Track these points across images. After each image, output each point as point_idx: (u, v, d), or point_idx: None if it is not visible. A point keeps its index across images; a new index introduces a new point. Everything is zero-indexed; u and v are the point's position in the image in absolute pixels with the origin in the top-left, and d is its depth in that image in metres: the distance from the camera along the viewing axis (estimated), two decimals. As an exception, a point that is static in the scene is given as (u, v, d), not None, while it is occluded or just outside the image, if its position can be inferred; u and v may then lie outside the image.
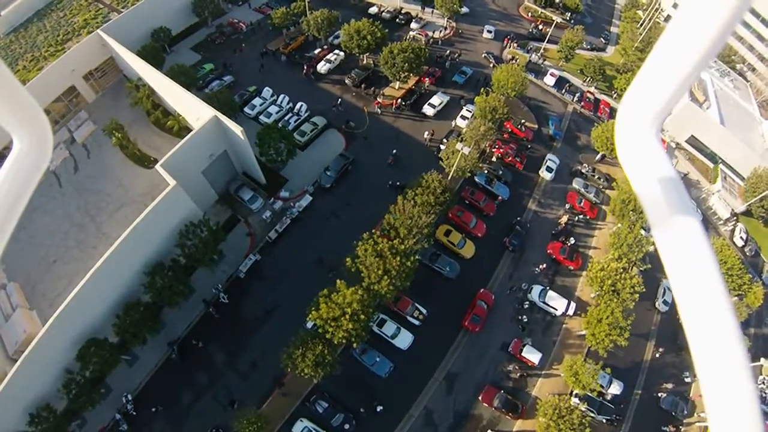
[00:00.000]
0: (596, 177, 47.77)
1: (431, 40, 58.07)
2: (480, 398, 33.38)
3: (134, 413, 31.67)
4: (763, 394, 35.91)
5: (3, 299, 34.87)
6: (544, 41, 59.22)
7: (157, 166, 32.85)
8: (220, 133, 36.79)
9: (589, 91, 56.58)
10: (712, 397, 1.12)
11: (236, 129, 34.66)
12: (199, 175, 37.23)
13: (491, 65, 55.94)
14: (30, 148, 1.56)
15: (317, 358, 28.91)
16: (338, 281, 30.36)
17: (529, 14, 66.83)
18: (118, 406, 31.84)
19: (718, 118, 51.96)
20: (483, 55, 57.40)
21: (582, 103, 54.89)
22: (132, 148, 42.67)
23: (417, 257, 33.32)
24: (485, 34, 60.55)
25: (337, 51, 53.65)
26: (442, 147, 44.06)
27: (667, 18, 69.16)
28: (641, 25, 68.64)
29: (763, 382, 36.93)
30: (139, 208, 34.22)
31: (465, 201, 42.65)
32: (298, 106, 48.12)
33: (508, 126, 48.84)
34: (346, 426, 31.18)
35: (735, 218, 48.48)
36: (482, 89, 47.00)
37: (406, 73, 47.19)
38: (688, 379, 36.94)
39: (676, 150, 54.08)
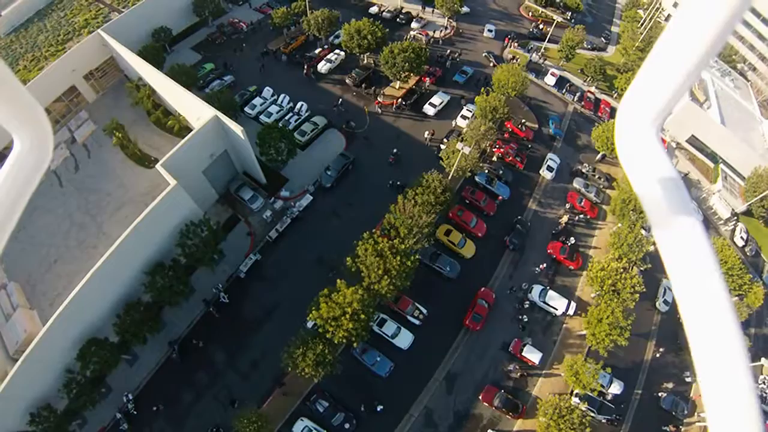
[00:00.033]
0: (597, 177, 47.74)
1: (432, 39, 58.04)
2: (480, 398, 33.38)
3: (135, 413, 31.71)
4: (763, 394, 35.87)
5: (3, 299, 34.89)
6: (544, 41, 59.16)
7: (158, 166, 32.87)
8: (220, 132, 36.81)
9: (589, 91, 56.53)
10: (712, 397, 1.12)
11: (237, 129, 34.67)
12: (199, 175, 37.25)
13: (491, 64, 55.91)
14: (31, 148, 1.56)
15: (317, 358, 28.93)
16: (338, 281, 30.37)
17: (530, 14, 66.76)
18: (118, 405, 31.88)
19: (718, 117, 51.90)
20: (483, 55, 57.37)
21: (582, 103, 54.84)
22: (132, 148, 42.68)
23: (417, 257, 33.34)
24: (486, 34, 60.51)
25: (337, 51, 53.64)
26: (443, 147, 44.06)
27: (668, 17, 69.08)
28: (642, 24, 68.56)
29: (764, 382, 36.90)
30: (139, 207, 34.21)
31: (465, 200, 42.64)
32: (298, 105, 48.12)
33: (508, 126, 48.82)
34: (347, 425, 31.19)
35: (735, 218, 48.43)
36: (483, 89, 46.95)
37: (407, 73, 47.17)
38: (688, 379, 36.92)
39: (677, 150, 54.03)
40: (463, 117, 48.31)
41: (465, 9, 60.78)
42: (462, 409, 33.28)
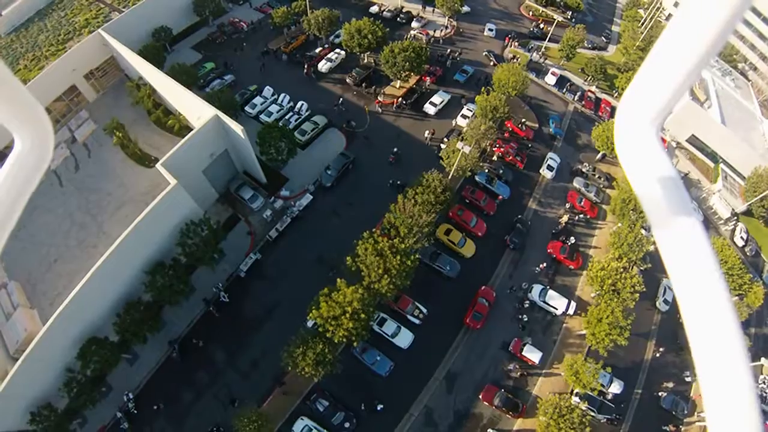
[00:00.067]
0: (597, 176, 47.72)
1: (432, 39, 58.00)
2: (480, 397, 33.40)
3: (135, 412, 31.74)
4: (763, 394, 35.87)
5: (4, 298, 34.91)
6: (545, 40, 59.11)
7: (158, 165, 32.87)
8: (220, 132, 36.80)
9: (590, 90, 56.49)
10: (712, 396, 1.12)
11: (237, 128, 34.66)
12: (199, 174, 37.25)
13: (491, 63, 55.87)
14: (32, 147, 1.56)
15: (318, 357, 28.94)
16: (339, 280, 30.38)
17: (531, 13, 66.72)
18: (119, 404, 31.90)
19: (719, 117, 51.86)
20: (484, 54, 57.33)
21: (583, 102, 54.81)
22: (133, 147, 42.67)
23: (417, 256, 33.34)
24: (486, 33, 60.49)
25: (337, 50, 53.61)
26: (443, 146, 44.03)
27: (669, 17, 68.99)
28: (643, 23, 68.50)
29: (764, 382, 36.90)
30: (139, 207, 34.21)
31: (465, 200, 42.62)
32: (298, 105, 48.11)
33: (508, 125, 48.79)
34: (347, 425, 31.22)
35: (735, 218, 48.40)
36: (483, 88, 46.92)
37: (407, 72, 47.13)
38: (688, 379, 36.93)
39: (677, 149, 53.99)
40: (464, 116, 48.29)
41: (465, 8, 60.77)
42: (462, 408, 33.30)
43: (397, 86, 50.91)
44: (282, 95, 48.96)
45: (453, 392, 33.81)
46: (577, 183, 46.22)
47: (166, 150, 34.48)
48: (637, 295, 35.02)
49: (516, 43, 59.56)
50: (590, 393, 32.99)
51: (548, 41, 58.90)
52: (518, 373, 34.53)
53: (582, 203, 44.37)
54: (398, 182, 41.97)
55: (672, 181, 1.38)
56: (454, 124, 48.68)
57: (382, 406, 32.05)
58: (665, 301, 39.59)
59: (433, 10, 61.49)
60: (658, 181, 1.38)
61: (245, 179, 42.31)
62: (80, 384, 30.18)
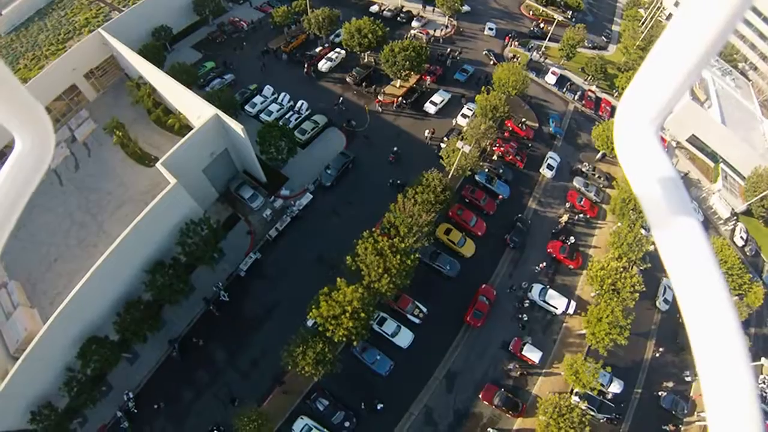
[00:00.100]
0: (597, 176, 47.71)
1: (432, 38, 57.97)
2: (480, 396, 33.42)
3: (135, 411, 31.76)
4: (764, 394, 35.89)
5: (4, 297, 34.92)
6: (545, 39, 59.08)
7: (158, 165, 32.86)
8: (220, 131, 36.79)
9: (590, 90, 56.47)
10: (713, 396, 1.12)
11: (237, 127, 34.65)
12: (199, 174, 37.24)
13: (491, 63, 55.84)
14: (32, 147, 1.56)
15: (318, 356, 28.95)
16: (338, 279, 30.38)
17: (531, 12, 66.68)
18: (119, 403, 31.92)
19: (719, 117, 51.83)
20: (484, 53, 57.30)
21: (583, 102, 54.79)
22: (133, 147, 42.67)
23: (417, 256, 33.34)
24: (486, 32, 60.49)
25: (338, 49, 53.57)
26: (443, 145, 43.99)
27: (669, 16, 68.95)
28: (643, 23, 68.48)
29: (764, 382, 36.92)
30: (139, 206, 34.23)
31: (465, 199, 42.61)
32: (299, 104, 48.10)
33: (508, 124, 48.78)
34: (347, 424, 31.24)
35: (735, 218, 48.40)
36: (483, 87, 46.89)
37: (407, 72, 47.11)
38: (688, 378, 36.95)
39: (677, 149, 53.97)
40: (464, 116, 48.27)
41: (466, 8, 60.72)
42: (462, 407, 33.32)
43: (397, 85, 50.89)
44: (282, 94, 48.94)
45: (453, 391, 33.83)
46: (577, 182, 46.21)
47: (166, 149, 34.48)
48: (637, 294, 35.02)
49: (516, 43, 59.53)
50: (590, 392, 32.99)
51: (548, 41, 58.87)
52: (518, 373, 34.55)
53: (582, 203, 44.37)
54: (398, 182, 41.96)
55: (672, 181, 1.38)
56: (454, 124, 48.66)
57: (382, 405, 32.06)
58: (665, 301, 39.60)
59: (434, 9, 61.45)
60: (657, 182, 1.38)
61: (245, 178, 42.31)
62: (80, 383, 30.20)
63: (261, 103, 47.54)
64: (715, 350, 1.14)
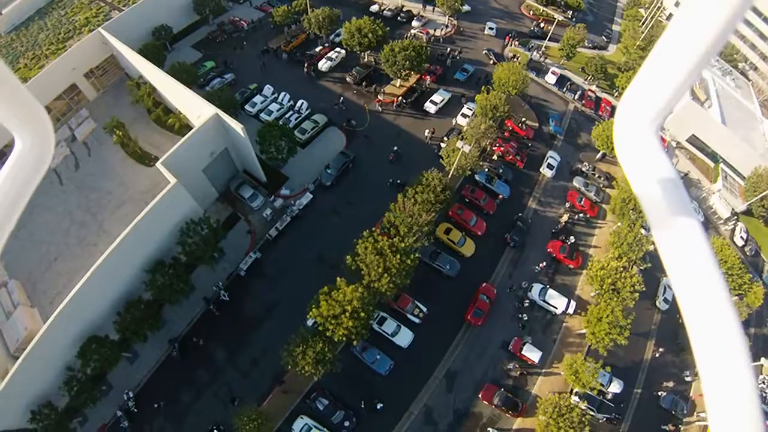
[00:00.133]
0: (597, 176, 47.70)
1: (432, 37, 57.94)
2: (480, 396, 33.43)
3: (135, 410, 31.78)
4: (764, 394, 35.90)
5: (4, 297, 34.93)
6: (545, 39, 59.06)
7: (158, 164, 32.85)
8: (220, 130, 36.78)
9: (590, 90, 56.45)
10: (714, 396, 1.12)
11: (237, 127, 34.64)
12: (199, 173, 37.24)
13: (492, 62, 55.82)
14: (32, 147, 1.56)
15: (317, 356, 28.96)
16: (338, 279, 30.38)
17: (531, 12, 66.67)
18: (119, 403, 31.94)
19: (719, 117, 51.83)
20: (484, 52, 57.29)
21: (583, 102, 54.77)
22: (133, 146, 42.66)
23: (417, 255, 33.34)
24: (487, 31, 60.51)
25: (338, 49, 53.56)
26: (443, 145, 43.98)
27: (669, 16, 68.91)
28: (643, 23, 68.46)
29: (764, 382, 36.93)
30: (139, 205, 34.24)
31: (465, 199, 42.61)
32: (299, 103, 48.09)
33: (508, 124, 48.77)
34: (346, 423, 31.25)
35: (735, 218, 48.40)
36: (483, 87, 46.87)
37: (407, 71, 47.10)
38: (688, 378, 36.96)
39: (677, 149, 53.97)
40: (464, 115, 48.27)
41: (466, 7, 60.70)
42: (462, 407, 33.33)
43: (397, 85, 50.88)
44: (282, 94, 48.93)
45: (453, 391, 33.84)
46: (577, 182, 46.21)
47: (166, 149, 34.49)
48: (637, 294, 35.02)
49: (516, 42, 59.51)
50: (590, 392, 33.00)
51: (548, 40, 58.84)
52: (518, 372, 34.56)
53: (582, 202, 44.37)
54: (398, 181, 41.95)
55: (671, 181, 1.38)
56: (454, 123, 48.65)
57: (381, 404, 32.08)
58: (665, 300, 39.61)
59: (434, 8, 61.44)
60: (657, 182, 1.38)
61: (245, 178, 42.31)
62: (80, 382, 30.22)
63: (261, 103, 47.53)
64: (716, 350, 1.14)
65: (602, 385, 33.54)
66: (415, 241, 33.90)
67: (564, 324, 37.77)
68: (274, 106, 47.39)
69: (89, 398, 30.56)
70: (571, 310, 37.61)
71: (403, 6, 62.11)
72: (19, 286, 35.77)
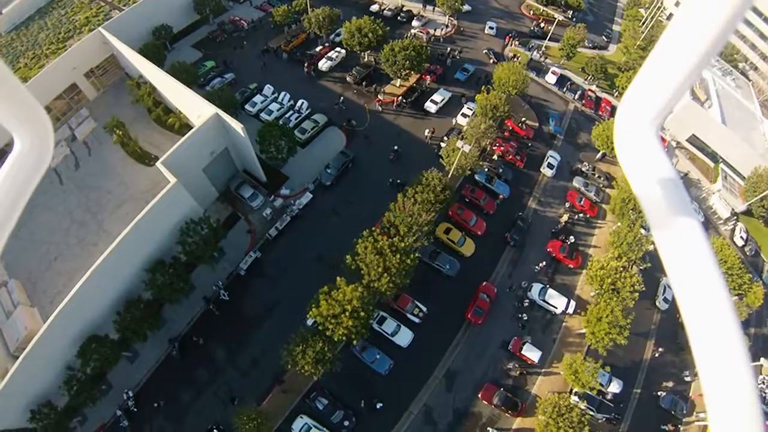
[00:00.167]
0: (596, 176, 47.71)
1: (432, 37, 57.93)
2: (480, 396, 33.45)
3: (135, 410, 31.79)
4: (763, 394, 35.92)
5: (4, 296, 34.94)
6: (545, 39, 59.05)
7: (158, 164, 32.84)
8: (221, 130, 36.78)
9: (590, 90, 56.45)
10: (713, 395, 1.12)
11: (237, 126, 34.64)
12: (199, 173, 37.24)
13: (492, 62, 55.80)
14: (31, 147, 1.56)
15: (317, 355, 28.97)
16: (338, 278, 30.39)
17: (531, 12, 66.66)
18: (119, 402, 31.95)
19: (719, 117, 51.82)
20: (484, 52, 57.28)
21: (583, 102, 54.77)
22: (133, 146, 42.65)
23: (417, 255, 33.35)
24: (487, 30, 60.52)
25: (338, 49, 53.56)
26: (443, 145, 43.98)
27: (670, 16, 68.89)
28: (643, 23, 68.45)
29: (763, 382, 36.95)
30: (140, 205, 34.23)
31: (465, 199, 42.62)
32: (299, 103, 48.07)
33: (509, 124, 48.77)
34: (346, 423, 31.26)
35: (735, 218, 48.41)
36: (483, 87, 46.87)
37: (407, 71, 47.10)
38: (687, 378, 36.97)
39: (677, 149, 53.97)
40: (464, 115, 48.27)
41: (466, 7, 60.72)
42: (461, 407, 33.35)
43: (398, 85, 50.87)
44: (282, 93, 48.92)
45: (452, 391, 33.86)
46: (577, 182, 46.22)
47: (167, 148, 34.49)
48: (637, 294, 35.02)
49: (516, 42, 59.50)
50: (589, 392, 33.01)
51: (549, 40, 58.83)
52: (517, 372, 34.59)
53: (582, 202, 44.38)
54: (398, 181, 41.96)
55: (671, 181, 1.38)
56: (454, 123, 48.65)
57: (381, 404, 32.09)
58: (665, 300, 39.62)
59: (434, 8, 61.42)
60: (657, 182, 1.38)
61: (245, 178, 42.31)
62: (80, 382, 30.22)
63: (261, 102, 47.52)
64: (715, 350, 1.14)
65: (602, 384, 33.54)
66: (415, 241, 33.91)
67: (564, 324, 37.78)
68: (274, 106, 47.38)
69: (89, 398, 30.56)
70: (570, 310, 37.62)
71: (403, 6, 62.09)
72: (19, 285, 35.78)
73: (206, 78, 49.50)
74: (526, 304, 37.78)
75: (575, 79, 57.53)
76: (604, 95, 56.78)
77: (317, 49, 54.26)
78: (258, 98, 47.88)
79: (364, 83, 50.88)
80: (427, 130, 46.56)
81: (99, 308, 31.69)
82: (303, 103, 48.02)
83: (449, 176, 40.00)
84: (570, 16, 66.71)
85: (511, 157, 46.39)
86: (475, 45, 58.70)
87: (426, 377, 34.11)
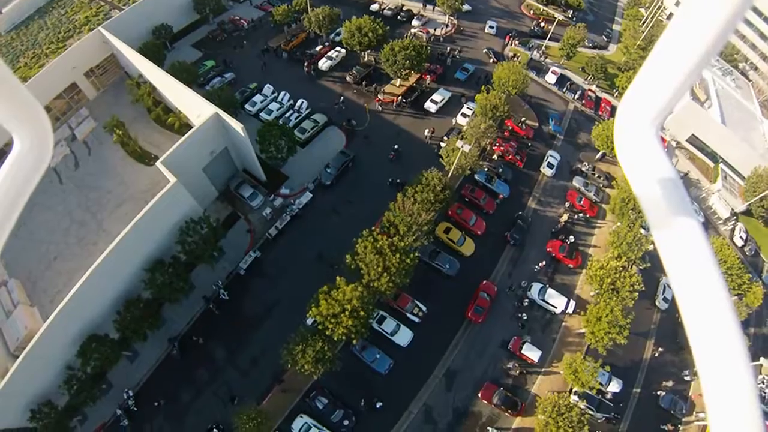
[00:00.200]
0: (596, 175, 47.70)
1: (432, 37, 57.90)
2: (479, 395, 33.46)
3: (135, 409, 31.80)
4: (763, 394, 35.94)
5: (4, 296, 34.94)
6: (545, 39, 59.02)
7: (158, 163, 32.84)
8: (220, 130, 36.78)
9: (590, 90, 56.43)
10: (713, 395, 1.12)
11: (237, 126, 34.63)
12: (199, 172, 37.24)
13: (492, 62, 55.78)
14: (31, 147, 1.56)
15: (317, 355, 28.99)
16: (338, 278, 30.40)
17: (531, 11, 66.63)
18: (119, 401, 31.96)
19: (719, 117, 51.81)
20: (484, 52, 57.26)
21: (583, 102, 54.75)
22: (133, 145, 42.65)
23: (416, 254, 33.36)
24: (487, 30, 60.48)
25: (338, 48, 53.52)
26: (443, 144, 43.97)
27: (670, 16, 68.86)
28: (643, 23, 68.42)
29: (763, 382, 36.97)
30: (139, 204, 34.24)
31: (465, 198, 42.62)
32: (299, 103, 48.05)
33: (508, 124, 48.76)
34: (346, 422, 31.28)
35: (735, 218, 48.42)
36: (483, 87, 46.85)
37: (407, 71, 47.08)
38: (687, 378, 36.99)
39: (677, 149, 53.97)
40: (464, 115, 48.26)
41: (466, 7, 60.70)
42: (461, 406, 33.37)
43: (397, 84, 50.85)
44: (282, 93, 48.90)
45: (452, 390, 33.87)
46: (577, 182, 46.21)
47: (166, 148, 34.49)
48: (636, 294, 35.04)
49: (517, 42, 59.48)
50: (589, 392, 33.03)
51: (549, 40, 58.80)
52: (517, 372, 34.61)
53: (581, 202, 44.38)
54: (398, 180, 41.95)
55: (671, 181, 1.38)
56: (454, 123, 48.63)
57: (381, 403, 32.11)
58: (665, 299, 39.64)
59: (434, 8, 61.39)
60: (657, 182, 1.38)
61: (245, 177, 42.31)
62: (80, 381, 30.24)
63: (261, 102, 47.51)
64: (715, 350, 1.14)
65: (601, 384, 33.55)
66: (415, 241, 33.92)
67: (563, 323, 37.80)
68: (274, 106, 47.37)
69: (89, 397, 30.57)
70: (570, 310, 37.64)
71: (403, 5, 62.06)
72: (19, 285, 35.79)
73: (206, 77, 49.48)
74: (526, 303, 37.78)
75: (575, 79, 57.51)
76: (604, 95, 56.76)
77: (317, 48, 54.24)
78: (258, 98, 47.86)
79: (364, 83, 50.86)
80: (426, 130, 46.55)
81: (99, 308, 31.69)
82: (303, 102, 48.01)
83: (449, 176, 40.00)
84: (570, 16, 66.70)
85: (510, 156, 46.39)
86: (475, 44, 58.68)
87: (426, 376, 34.13)
